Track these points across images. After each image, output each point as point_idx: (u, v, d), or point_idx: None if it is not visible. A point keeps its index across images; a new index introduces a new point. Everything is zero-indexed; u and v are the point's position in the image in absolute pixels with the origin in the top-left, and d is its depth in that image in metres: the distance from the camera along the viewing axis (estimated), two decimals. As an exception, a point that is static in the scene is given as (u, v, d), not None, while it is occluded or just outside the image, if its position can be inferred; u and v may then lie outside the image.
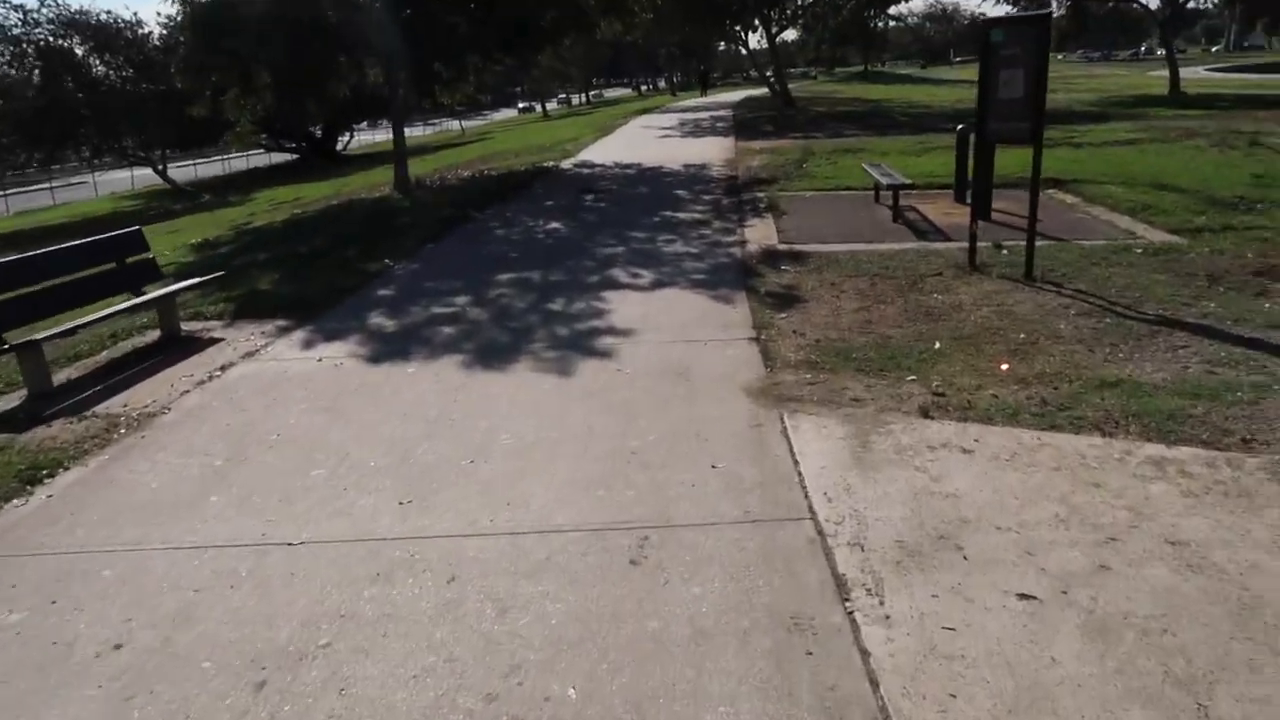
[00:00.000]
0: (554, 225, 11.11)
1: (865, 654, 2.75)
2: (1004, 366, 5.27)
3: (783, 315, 6.60)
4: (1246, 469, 3.84)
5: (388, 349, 6.34)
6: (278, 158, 44.66)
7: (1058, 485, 3.76)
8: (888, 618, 2.91)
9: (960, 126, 10.30)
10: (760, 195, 12.31)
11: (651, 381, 5.32)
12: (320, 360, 6.18)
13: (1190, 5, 43.59)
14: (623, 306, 7.13)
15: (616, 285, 7.85)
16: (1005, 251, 8.12)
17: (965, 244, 7.96)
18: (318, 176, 27.39)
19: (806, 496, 3.77)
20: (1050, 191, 11.45)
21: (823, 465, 4.04)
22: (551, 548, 3.48)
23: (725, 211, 11.37)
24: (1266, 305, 6.22)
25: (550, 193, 14.01)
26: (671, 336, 6.24)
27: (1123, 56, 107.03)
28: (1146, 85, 36.73)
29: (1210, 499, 3.60)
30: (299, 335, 6.88)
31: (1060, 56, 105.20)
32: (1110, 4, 44.19)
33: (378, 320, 7.19)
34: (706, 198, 12.68)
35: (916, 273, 7.60)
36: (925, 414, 4.61)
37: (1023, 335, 5.82)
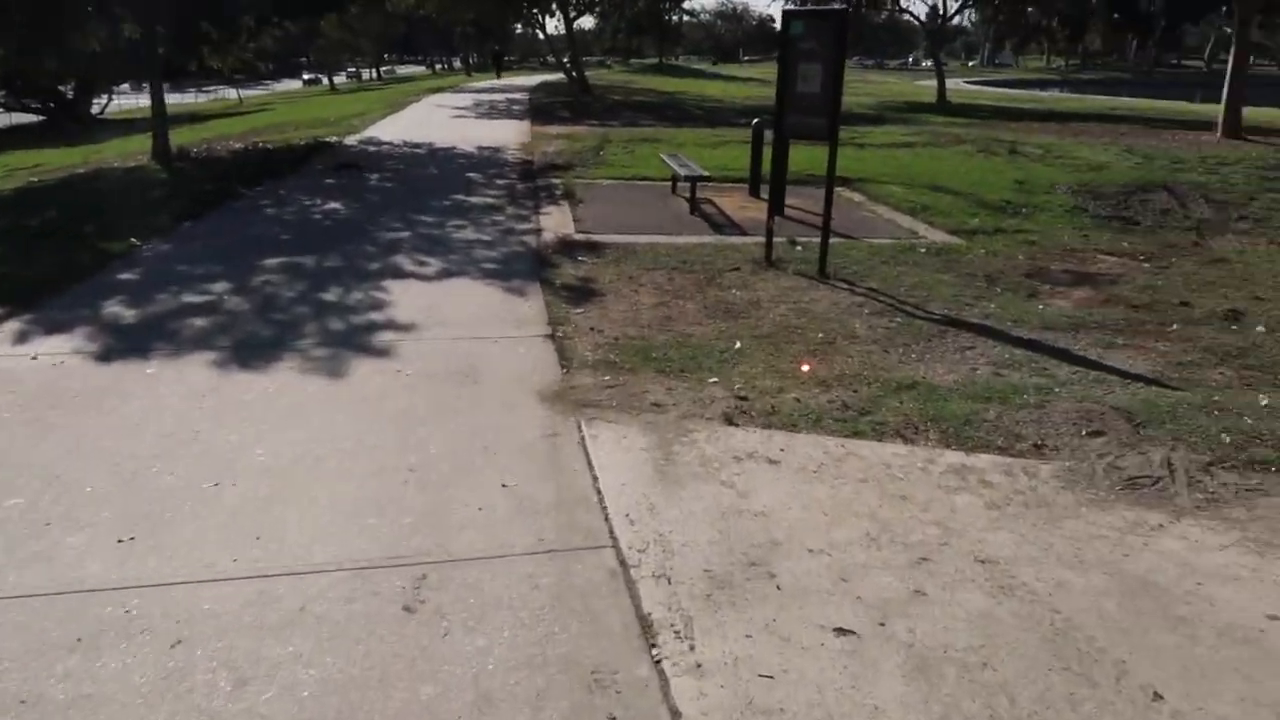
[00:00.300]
0: (333, 205, 10.21)
1: (676, 715, 2.41)
2: (805, 368, 5.13)
3: (579, 310, 6.23)
4: (1041, 477, 3.83)
5: (123, 345, 5.44)
6: (20, 118, 39.67)
7: (866, 499, 3.59)
8: (699, 666, 2.59)
9: (756, 121, 10.33)
10: (556, 182, 11.90)
11: (435, 385, 4.80)
12: (35, 358, 5.20)
13: (954, 21, 47.20)
14: (406, 298, 6.52)
15: (400, 274, 7.21)
16: (799, 248, 8.13)
17: (761, 239, 7.91)
18: (66, 142, 24.42)
19: (607, 519, 3.40)
20: (838, 189, 11.75)
21: (624, 482, 3.69)
22: (308, 594, 2.92)
23: (519, 197, 10.87)
24: (1040, 306, 6.48)
25: (331, 170, 12.97)
26: (459, 333, 5.72)
27: (893, 65, 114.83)
28: (916, 93, 39.27)
29: (1012, 510, 3.54)
30: (12, 327, 5.80)
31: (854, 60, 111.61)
32: (885, 14, 47.01)
33: (115, 309, 6.20)
34: (500, 182, 12.13)
35: (715, 267, 7.44)
36: (729, 420, 4.37)
37: (821, 334, 5.74)
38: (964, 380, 4.97)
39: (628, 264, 7.54)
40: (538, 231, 8.84)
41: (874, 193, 11.19)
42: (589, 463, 3.87)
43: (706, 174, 9.83)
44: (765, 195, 10.66)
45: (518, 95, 33.00)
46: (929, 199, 10.61)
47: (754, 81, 49.33)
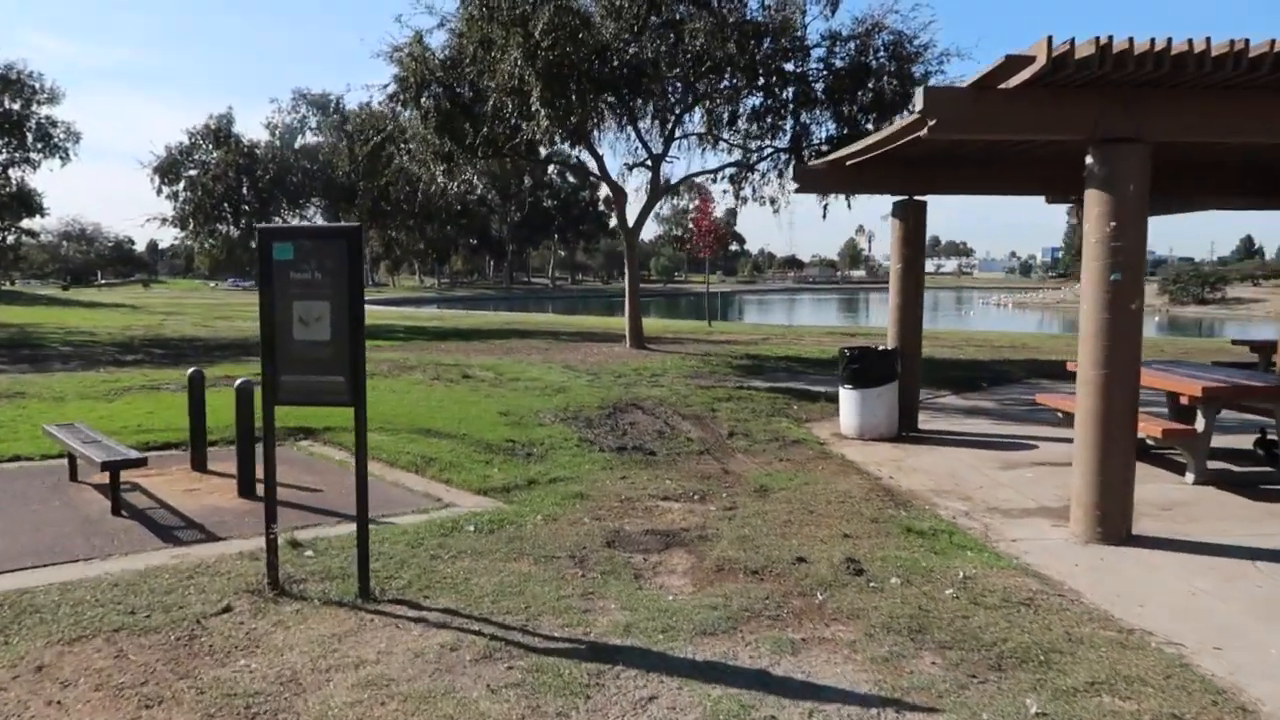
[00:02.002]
0: None
1: None
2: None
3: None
4: None
5: None
6: None
7: None
8: None
9: (241, 382, 7.44)
10: None
11: None
12: None
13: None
14: None
15: None
16: (310, 552, 5.69)
17: (243, 543, 5.42)
18: None
19: None
20: (304, 443, 9.40)
21: None
22: None
23: None
24: (669, 598, 5.01)
25: None
26: None
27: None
28: (318, 314, 38.04)
29: None
30: None
31: (212, 284, 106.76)
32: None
33: None
34: None
35: (191, 613, 4.68)
36: None
37: (435, 734, 3.49)
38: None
39: (25, 638, 4.37)
40: None
41: (352, 444, 9.06)
42: None
43: (133, 455, 6.74)
44: (218, 468, 7.90)
45: None
46: (424, 447, 8.83)
47: (125, 308, 43.53)
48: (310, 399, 5.05)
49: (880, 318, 64.95)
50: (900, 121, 6.88)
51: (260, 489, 7.06)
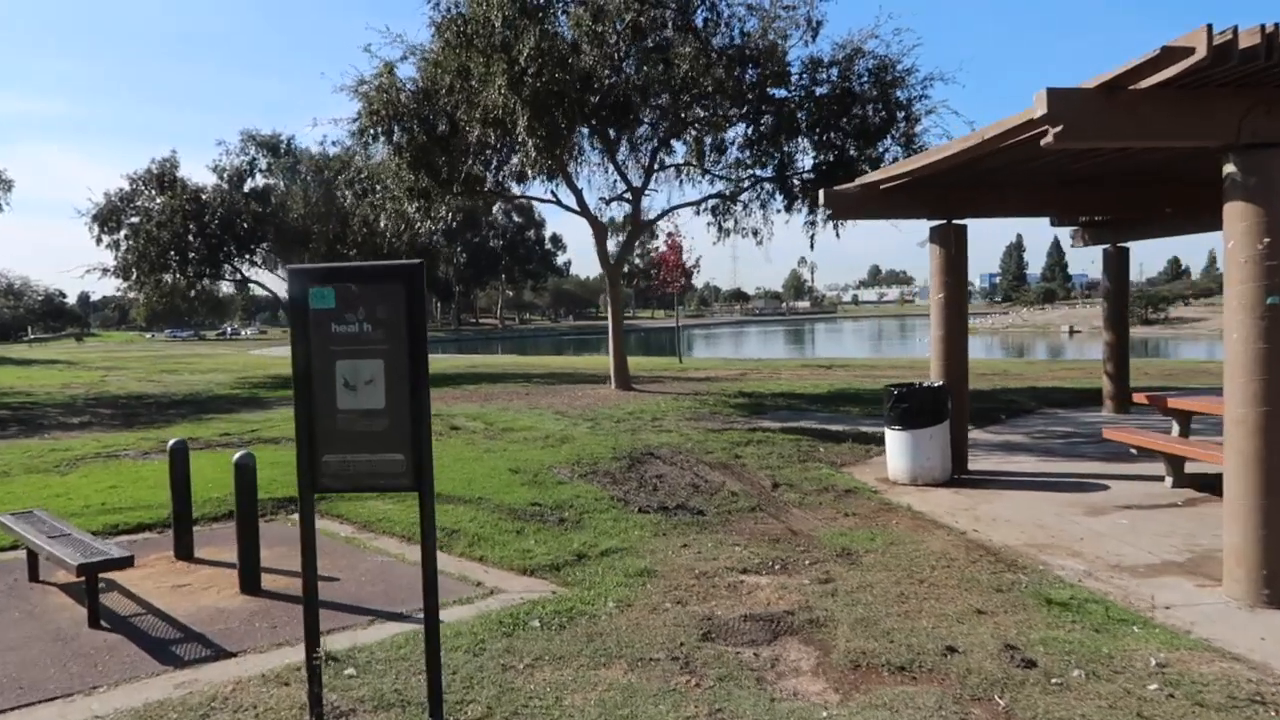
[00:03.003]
0: None
1: None
2: None
3: None
4: None
5: None
6: None
7: None
8: None
9: (241, 456, 6.28)
10: None
11: None
12: None
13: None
14: None
15: None
16: (350, 670, 4.60)
17: (264, 661, 4.39)
18: None
19: None
20: (295, 517, 8.23)
21: None
22: None
23: None
24: (823, 715, 4.04)
25: None
26: None
27: (212, 335, 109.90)
28: (267, 365, 36.30)
29: None
30: None
31: (149, 335, 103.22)
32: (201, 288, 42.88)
33: None
34: None
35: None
36: None
37: None
38: None
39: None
40: None
41: (361, 517, 7.96)
42: None
43: (118, 554, 5.53)
44: (207, 553, 6.75)
45: None
46: (441, 516, 7.73)
47: (60, 364, 41.34)
48: (359, 483, 4.00)
49: (829, 347, 65.20)
50: (994, 129, 6.08)
51: (267, 581, 5.95)
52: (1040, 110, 5.20)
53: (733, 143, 17.35)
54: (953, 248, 9.47)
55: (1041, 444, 11.53)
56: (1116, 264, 14.12)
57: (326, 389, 3.91)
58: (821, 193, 9.61)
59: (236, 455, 5.97)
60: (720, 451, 10.91)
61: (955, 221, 9.48)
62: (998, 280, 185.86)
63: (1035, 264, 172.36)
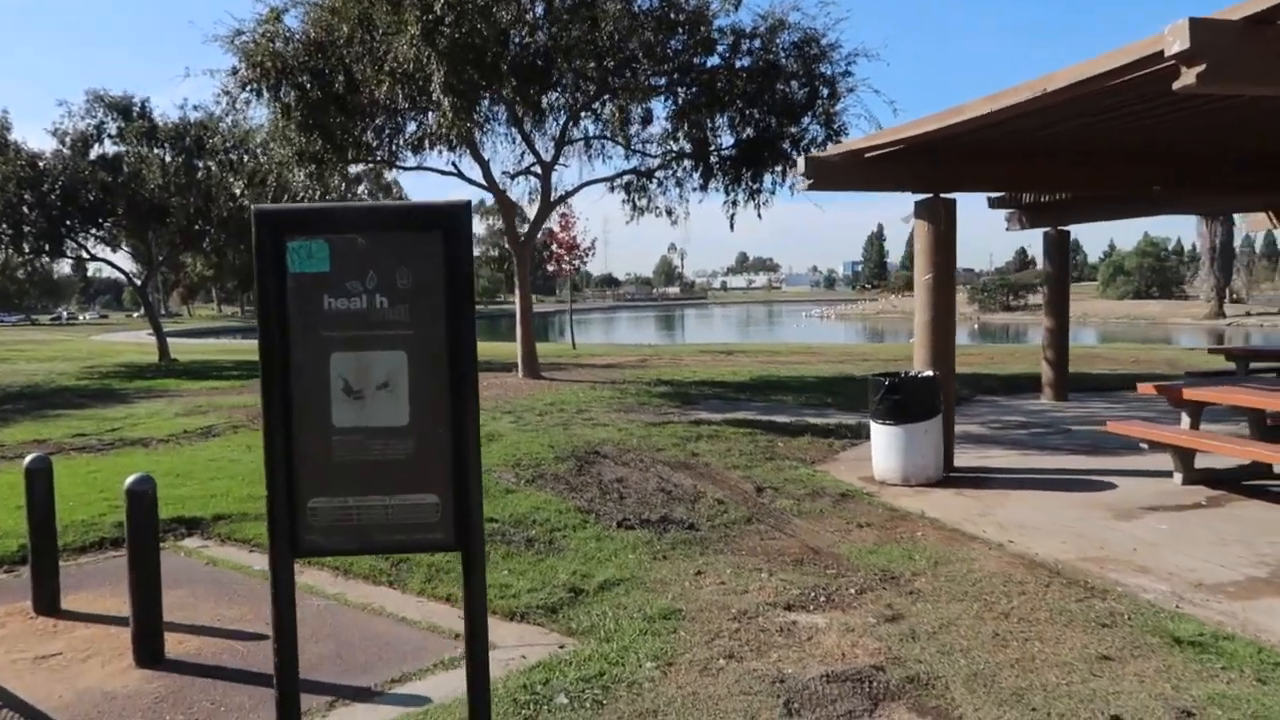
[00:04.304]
0: None
1: None
2: None
3: None
4: None
5: None
6: None
7: None
8: None
9: (134, 481, 4.73)
10: None
11: None
12: None
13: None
14: None
15: None
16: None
17: None
18: None
19: None
20: (188, 543, 6.65)
21: None
22: None
23: None
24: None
25: None
26: None
27: (46, 320, 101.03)
28: (120, 352, 32.85)
29: None
30: None
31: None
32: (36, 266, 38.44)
33: None
34: None
35: None
36: None
37: None
38: None
39: None
40: None
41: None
42: None
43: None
44: (77, 603, 5.11)
45: None
46: (379, 540, 6.30)
47: None
48: (369, 541, 2.62)
49: (702, 332, 65.20)
50: (1101, 65, 5.10)
51: (172, 643, 4.45)
52: (1179, 44, 4.25)
53: (666, 114, 16.22)
54: (942, 223, 8.60)
55: (1004, 435, 10.91)
56: (1058, 248, 13.73)
57: (315, 396, 2.54)
58: (802, 160, 8.59)
59: (129, 481, 4.40)
60: (672, 449, 9.77)
61: (944, 195, 8.62)
62: (860, 268, 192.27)
63: (895, 252, 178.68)
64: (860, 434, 10.72)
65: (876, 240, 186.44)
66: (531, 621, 4.91)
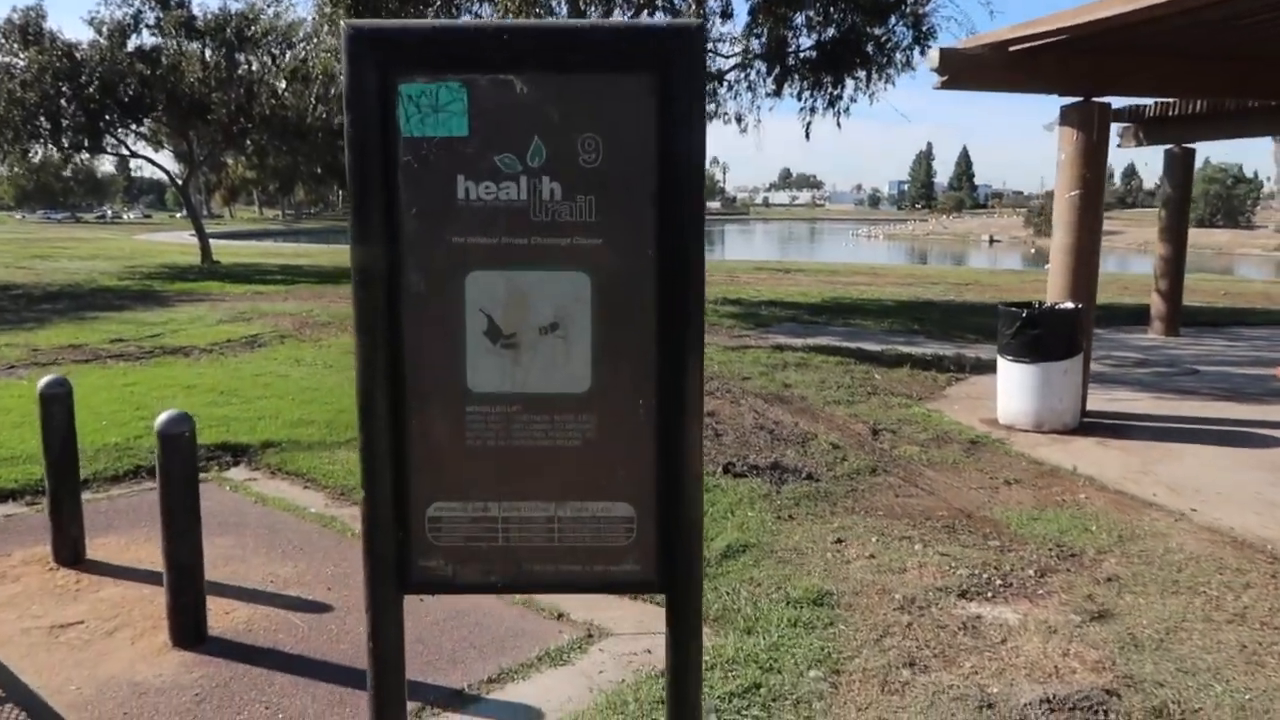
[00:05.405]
0: None
1: None
2: None
3: None
4: None
5: None
6: None
7: None
8: None
9: (165, 422, 3.85)
10: None
11: None
12: None
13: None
14: None
15: None
16: None
17: None
18: None
19: None
20: (234, 473, 5.84)
21: None
22: None
23: None
24: None
25: None
26: None
27: (91, 219, 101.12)
28: (162, 252, 32.25)
29: None
30: None
31: (19, 216, 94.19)
32: (78, 164, 37.61)
33: None
34: None
35: None
36: None
37: None
38: None
39: None
40: None
41: (334, 477, 5.59)
42: None
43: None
44: (104, 552, 4.27)
45: None
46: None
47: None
48: (521, 576, 1.70)
49: (748, 249, 63.38)
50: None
51: (215, 612, 3.62)
52: None
53: (738, 11, 14.81)
54: (1094, 132, 7.37)
55: (1126, 375, 9.80)
56: (1182, 166, 12.32)
57: (440, 342, 1.58)
58: (935, 51, 7.35)
59: (160, 421, 3.49)
60: (760, 378, 8.83)
61: (1095, 100, 7.38)
62: (905, 188, 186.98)
63: (943, 173, 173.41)
64: (964, 367, 9.70)
65: (925, 160, 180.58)
66: (649, 598, 4.04)
